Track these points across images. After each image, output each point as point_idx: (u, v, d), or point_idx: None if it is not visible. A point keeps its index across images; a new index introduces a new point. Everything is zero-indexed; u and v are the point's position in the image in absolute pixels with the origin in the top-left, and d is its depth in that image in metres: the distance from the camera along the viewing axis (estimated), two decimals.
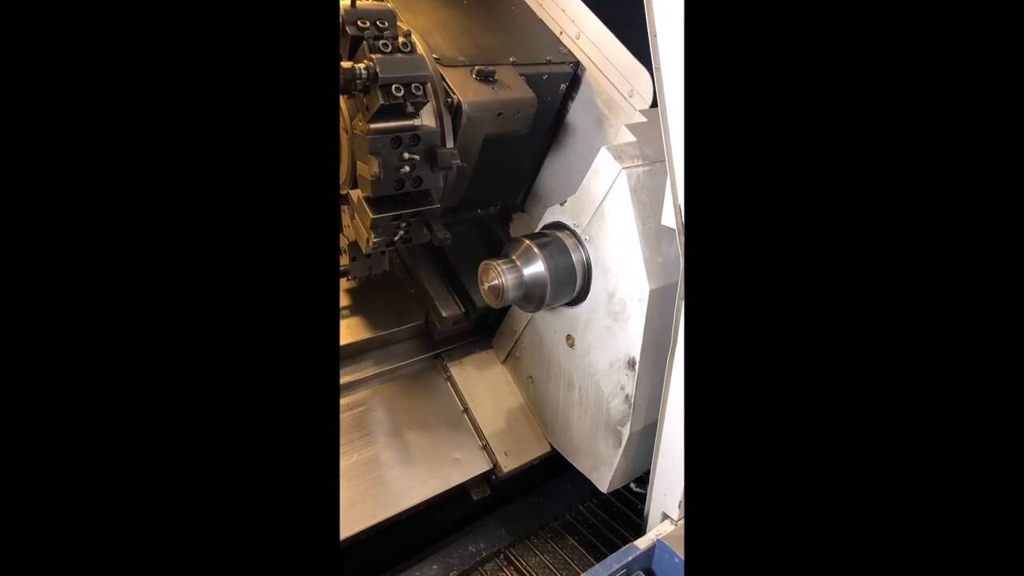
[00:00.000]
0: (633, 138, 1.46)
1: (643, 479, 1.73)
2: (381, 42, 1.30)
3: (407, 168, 1.39)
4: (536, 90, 1.63)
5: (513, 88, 1.59)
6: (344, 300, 1.87)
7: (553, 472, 1.98)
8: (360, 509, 1.61)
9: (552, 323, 1.68)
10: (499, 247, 2.05)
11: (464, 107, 1.49)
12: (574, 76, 1.77)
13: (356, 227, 1.52)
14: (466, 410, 1.87)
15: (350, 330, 1.81)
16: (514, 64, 1.66)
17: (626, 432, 1.54)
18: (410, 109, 1.33)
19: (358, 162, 1.41)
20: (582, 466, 1.74)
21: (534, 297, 1.49)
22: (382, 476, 1.68)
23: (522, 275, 1.47)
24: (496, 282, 1.47)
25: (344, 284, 1.90)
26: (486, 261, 1.49)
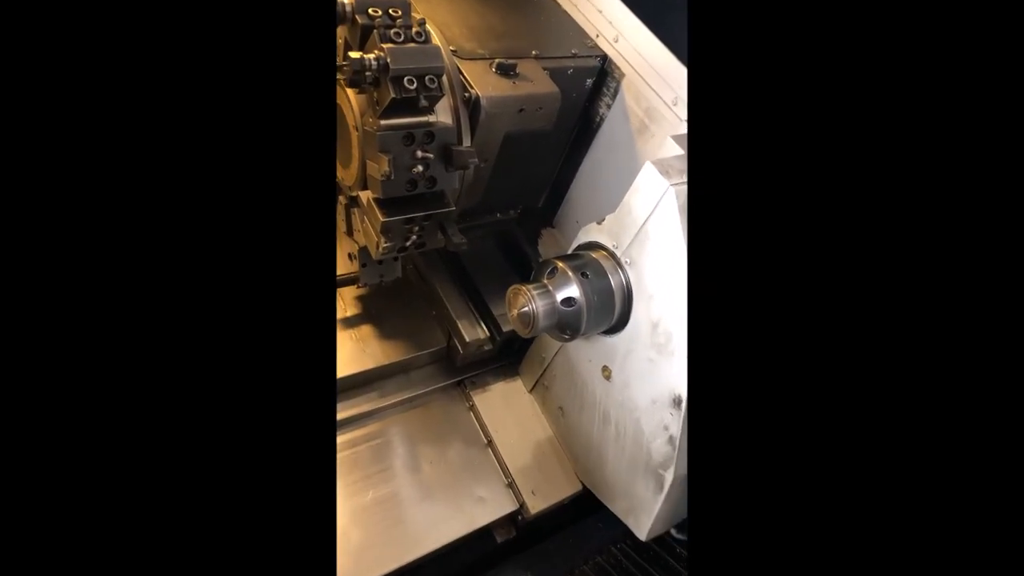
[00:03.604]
0: (681, 151, 1.31)
1: (685, 524, 1.57)
2: (393, 31, 1.19)
3: (420, 167, 1.28)
4: (560, 85, 1.51)
5: (535, 82, 1.47)
6: (361, 323, 1.75)
7: (584, 509, 1.82)
8: (377, 552, 1.48)
9: (586, 352, 1.54)
10: (520, 255, 1.94)
11: (482, 102, 1.38)
12: (601, 71, 1.64)
13: (366, 231, 1.41)
14: (490, 443, 1.73)
15: (367, 355, 1.69)
16: (537, 57, 1.54)
17: (669, 477, 1.39)
18: (423, 104, 1.22)
19: (368, 161, 1.30)
20: (617, 509, 1.58)
21: (568, 326, 1.35)
22: (400, 515, 1.55)
23: (555, 301, 1.32)
24: (526, 309, 1.32)
25: (355, 292, 1.78)
26: (515, 286, 1.35)
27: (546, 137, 1.61)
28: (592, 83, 1.65)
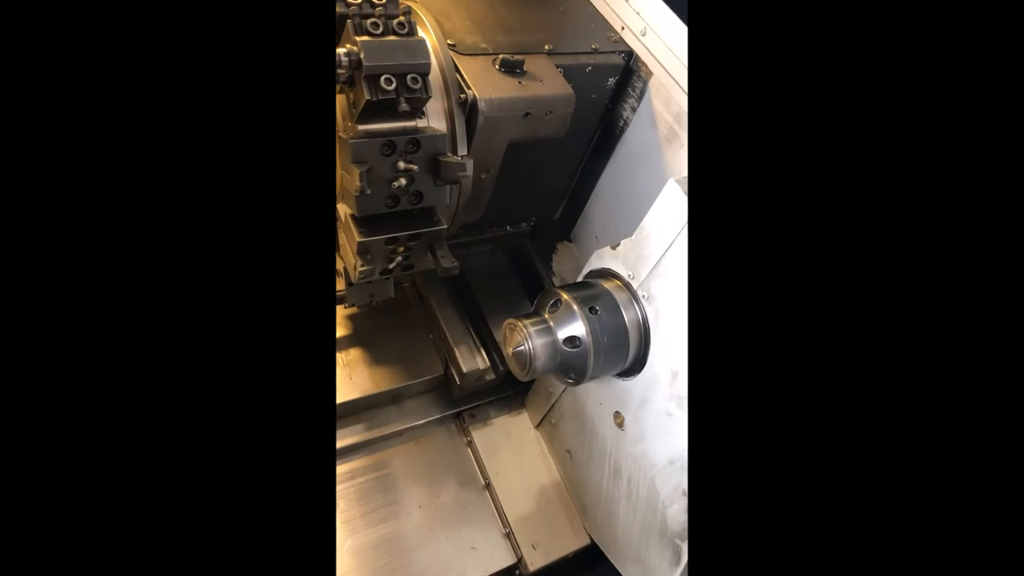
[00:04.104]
0: None
1: None
2: (370, 21, 1.01)
3: (403, 181, 1.09)
4: (576, 85, 1.31)
5: (546, 82, 1.27)
6: (350, 346, 1.58)
7: (591, 560, 1.62)
8: None
9: (597, 393, 1.33)
10: (532, 273, 1.74)
11: (480, 105, 1.19)
12: (626, 69, 1.43)
13: (344, 250, 1.23)
14: (488, 486, 1.54)
15: (353, 384, 1.52)
16: (550, 53, 1.34)
17: (688, 548, 1.17)
18: (404, 107, 1.03)
19: (342, 172, 1.12)
20: (628, 573, 1.38)
21: (572, 369, 1.15)
22: (383, 567, 1.38)
23: (556, 340, 1.13)
24: (522, 348, 1.13)
25: (345, 311, 1.61)
26: (511, 320, 1.16)
27: (559, 145, 1.41)
28: (615, 83, 1.44)
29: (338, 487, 1.47)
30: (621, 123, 1.52)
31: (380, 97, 1.02)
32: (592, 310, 1.13)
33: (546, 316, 1.15)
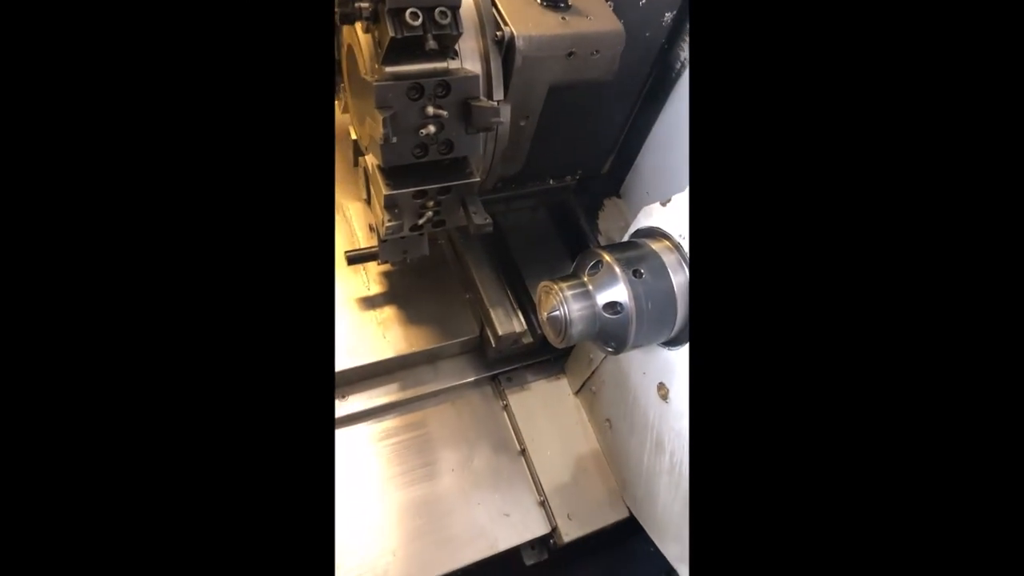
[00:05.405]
0: None
1: None
2: None
3: (432, 128, 1.00)
4: (628, 21, 1.17)
5: (592, 18, 1.14)
6: (385, 303, 1.54)
7: (628, 533, 1.56)
8: None
9: (640, 362, 1.24)
10: (576, 231, 1.63)
11: (518, 43, 1.07)
12: (686, 3, 1.27)
13: (372, 204, 1.17)
14: (523, 452, 1.49)
15: (387, 343, 1.48)
16: None
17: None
18: (432, 46, 0.93)
19: (368, 119, 1.04)
20: (668, 552, 1.30)
21: (612, 337, 1.06)
22: (409, 534, 1.36)
23: (595, 306, 1.03)
24: (557, 312, 1.04)
25: (380, 268, 1.56)
26: (546, 282, 1.07)
27: (607, 89, 1.27)
28: (672, 18, 1.28)
29: (371, 446, 1.45)
30: (678, 65, 1.37)
31: (405, 34, 0.92)
32: (636, 273, 1.03)
33: (585, 279, 1.05)
